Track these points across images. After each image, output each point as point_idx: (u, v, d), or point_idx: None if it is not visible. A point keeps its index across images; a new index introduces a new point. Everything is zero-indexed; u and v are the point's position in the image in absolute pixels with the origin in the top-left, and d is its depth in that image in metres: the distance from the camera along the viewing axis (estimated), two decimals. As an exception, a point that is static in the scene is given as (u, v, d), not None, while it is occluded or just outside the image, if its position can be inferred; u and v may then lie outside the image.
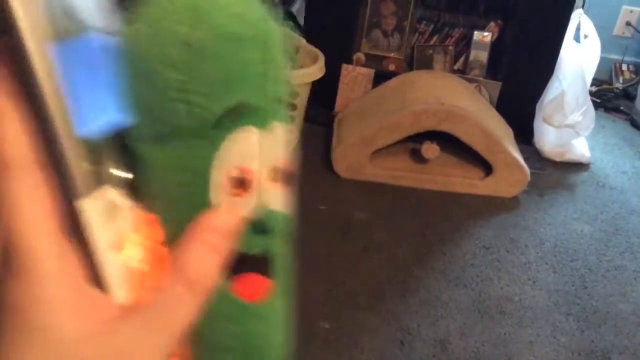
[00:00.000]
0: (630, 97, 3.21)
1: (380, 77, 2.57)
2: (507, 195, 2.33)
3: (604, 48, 2.72)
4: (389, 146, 2.26)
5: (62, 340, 0.24)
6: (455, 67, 2.73)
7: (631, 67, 3.39)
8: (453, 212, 2.23)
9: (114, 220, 0.27)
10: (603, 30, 2.88)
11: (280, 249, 0.30)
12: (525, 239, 2.13)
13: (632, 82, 3.31)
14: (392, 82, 2.46)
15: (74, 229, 0.25)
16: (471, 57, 2.66)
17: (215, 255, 0.27)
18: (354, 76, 2.64)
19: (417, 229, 2.10)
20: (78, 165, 0.25)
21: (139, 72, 0.26)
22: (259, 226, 0.28)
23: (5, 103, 0.23)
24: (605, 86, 3.29)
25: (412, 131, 2.22)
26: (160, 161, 0.27)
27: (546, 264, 2.02)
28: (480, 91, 2.61)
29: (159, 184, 0.27)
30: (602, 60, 2.79)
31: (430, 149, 2.29)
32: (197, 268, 0.26)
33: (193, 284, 0.26)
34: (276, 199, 0.29)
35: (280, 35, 0.28)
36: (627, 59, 3.41)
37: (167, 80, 0.25)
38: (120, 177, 0.27)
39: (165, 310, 0.25)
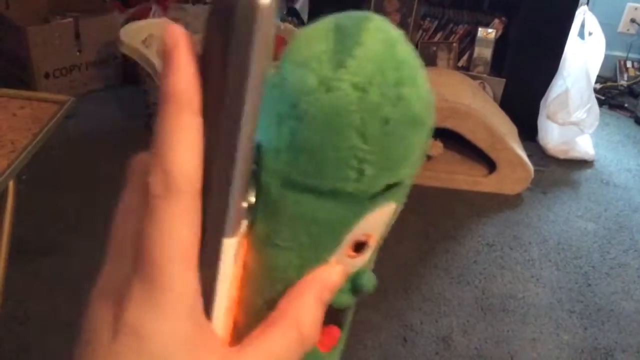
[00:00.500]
0: (635, 95, 3.20)
1: (384, 74, 2.57)
2: (510, 193, 2.32)
3: (608, 45, 2.71)
4: (392, 143, 2.26)
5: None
6: (459, 64, 2.72)
7: (636, 64, 3.38)
8: (456, 210, 2.22)
9: (238, 257, 0.26)
10: (608, 27, 2.87)
11: (353, 301, 0.32)
12: (529, 236, 2.12)
13: (637, 80, 3.30)
14: (396, 79, 2.45)
15: (208, 263, 0.24)
16: (475, 54, 2.65)
17: (321, 308, 0.28)
18: (358, 73, 2.63)
19: (420, 226, 2.10)
20: (238, 204, 0.24)
21: (329, 124, 0.24)
22: (362, 290, 0.31)
23: (191, 120, 0.22)
24: (609, 83, 3.27)
25: (416, 128, 2.21)
26: (302, 210, 0.26)
27: (549, 261, 2.02)
28: (484, 88, 2.61)
29: (287, 229, 0.27)
30: (607, 58, 2.78)
31: (434, 146, 2.28)
32: (309, 319, 0.27)
33: (304, 333, 0.26)
34: (371, 261, 0.31)
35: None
36: (631, 56, 3.40)
37: (353, 146, 0.25)
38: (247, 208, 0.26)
39: (275, 353, 0.26)
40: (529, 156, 2.33)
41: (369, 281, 0.31)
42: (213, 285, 0.25)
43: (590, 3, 2.97)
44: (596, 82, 2.90)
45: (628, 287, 1.93)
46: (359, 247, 0.29)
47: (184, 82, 0.22)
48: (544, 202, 2.32)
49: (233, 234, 0.24)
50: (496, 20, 2.66)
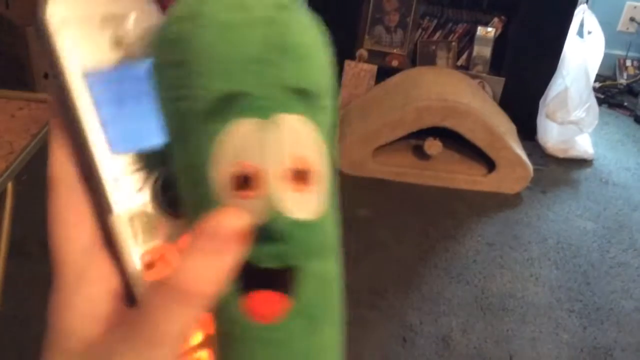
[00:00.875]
0: (634, 93, 3.20)
1: (383, 73, 2.57)
2: (510, 192, 2.33)
3: (607, 44, 2.71)
4: (391, 143, 2.26)
5: (72, 348, 0.25)
6: (459, 63, 2.72)
7: (635, 63, 3.38)
8: (456, 209, 2.23)
9: (151, 237, 0.27)
10: (607, 26, 2.87)
11: (305, 262, 0.26)
12: (528, 235, 2.12)
13: (636, 78, 3.30)
14: (395, 79, 2.45)
15: (110, 244, 0.26)
16: (474, 53, 2.65)
17: (207, 261, 0.24)
18: (357, 72, 2.63)
19: (419, 226, 2.10)
20: (111, 183, 0.26)
21: (155, 79, 0.26)
22: (270, 234, 0.25)
23: (54, 133, 0.27)
24: (609, 82, 3.28)
25: (415, 127, 2.22)
26: (176, 163, 0.26)
27: (549, 260, 2.02)
28: (483, 87, 2.61)
29: (180, 189, 0.26)
30: (606, 56, 2.78)
31: (433, 146, 2.28)
32: (187, 275, 0.24)
33: (174, 291, 0.23)
34: (294, 203, 0.25)
35: (305, 21, 0.26)
36: (631, 54, 3.40)
37: (167, 79, 0.25)
38: (165, 194, 0.27)
39: (150, 321, 0.24)
40: (528, 155, 2.33)
41: (291, 226, 0.25)
42: (122, 264, 0.26)
43: (589, 2, 2.97)
44: (595, 80, 2.90)
45: (627, 286, 1.93)
46: (244, 182, 0.24)
47: (53, 167, 0.27)
48: (544, 201, 2.32)
49: (120, 210, 0.26)
50: (495, 19, 2.66)
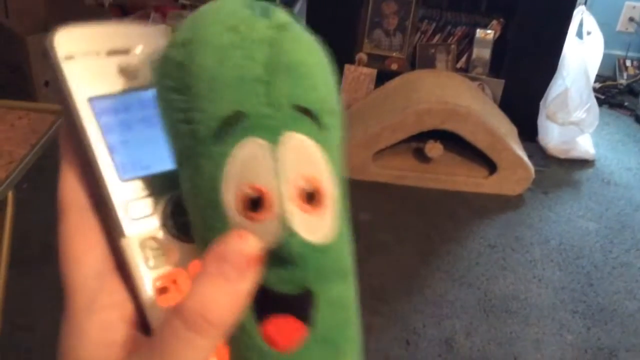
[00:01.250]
0: (635, 93, 3.19)
1: (383, 77, 2.57)
2: (511, 194, 2.32)
3: (607, 44, 2.71)
4: (392, 146, 2.26)
5: None
6: (458, 66, 2.72)
7: (635, 63, 3.38)
8: (457, 211, 2.22)
9: (162, 261, 0.27)
10: (606, 26, 2.87)
11: (321, 286, 0.25)
12: (531, 237, 2.12)
13: (636, 78, 3.30)
14: (395, 82, 2.46)
15: (122, 268, 0.26)
16: (474, 56, 2.65)
17: (221, 288, 0.23)
18: (357, 76, 2.63)
19: (421, 229, 2.10)
20: (122, 208, 0.26)
21: (160, 105, 0.26)
22: (283, 257, 0.24)
23: (64, 158, 0.27)
24: (609, 82, 3.27)
25: (416, 130, 2.22)
26: (184, 190, 0.26)
27: (552, 261, 2.01)
28: (483, 89, 2.61)
29: (190, 215, 0.26)
30: (606, 57, 2.78)
31: (434, 148, 2.28)
32: (196, 303, 0.23)
33: (190, 321, 0.23)
34: (306, 224, 0.24)
35: (306, 40, 0.26)
36: (630, 54, 3.40)
37: (171, 103, 0.25)
38: (175, 218, 0.27)
39: (166, 351, 0.23)
40: (530, 157, 2.33)
41: (303, 248, 0.24)
42: (135, 288, 0.26)
43: (588, 2, 2.97)
44: (595, 81, 2.90)
45: (631, 286, 1.93)
46: (254, 204, 0.24)
47: (64, 191, 0.27)
48: (545, 203, 2.32)
49: (131, 234, 0.26)
50: (494, 22, 2.67)
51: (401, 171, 2.32)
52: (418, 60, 2.70)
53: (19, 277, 1.54)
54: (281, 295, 0.25)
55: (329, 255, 0.25)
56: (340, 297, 0.26)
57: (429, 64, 2.68)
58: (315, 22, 2.60)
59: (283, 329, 0.25)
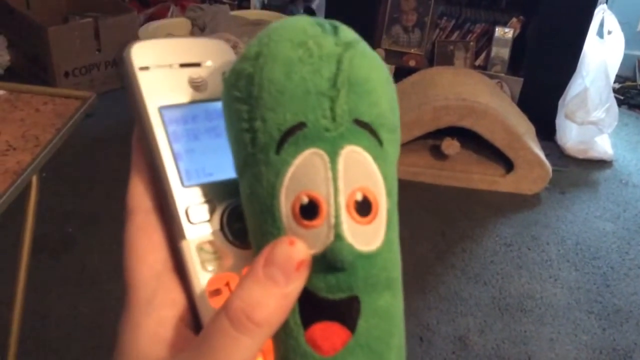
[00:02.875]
0: (655, 94, 3.16)
1: (401, 74, 2.56)
2: (528, 193, 2.31)
3: (627, 44, 2.68)
4: (408, 142, 2.25)
5: None
6: (477, 63, 2.71)
7: (656, 64, 3.34)
8: (473, 209, 2.21)
9: (217, 265, 0.28)
10: (627, 26, 2.84)
11: (367, 294, 0.26)
12: (547, 236, 2.11)
13: (657, 79, 3.26)
14: (413, 78, 2.45)
15: (180, 270, 0.28)
16: (492, 53, 2.64)
17: (268, 290, 0.24)
18: (374, 72, 2.63)
19: (436, 226, 2.09)
20: (183, 213, 0.28)
21: (225, 114, 0.28)
22: (332, 264, 0.25)
23: (134, 165, 0.29)
24: (628, 83, 3.24)
25: (432, 127, 2.21)
26: (242, 196, 0.27)
27: (568, 261, 2.00)
28: (501, 87, 2.59)
29: (247, 220, 0.27)
30: (626, 57, 2.75)
31: (451, 146, 2.27)
32: (243, 303, 0.24)
33: (236, 319, 0.24)
34: (357, 234, 0.25)
35: (371, 58, 0.27)
36: (651, 55, 3.35)
37: (237, 113, 0.26)
38: (231, 225, 0.29)
39: (214, 349, 0.24)
40: (547, 156, 2.32)
41: (354, 256, 0.25)
42: (190, 289, 0.27)
43: (609, 2, 2.94)
44: (615, 81, 2.87)
45: (648, 288, 1.91)
46: (309, 212, 0.25)
47: (132, 194, 0.29)
48: (562, 202, 2.30)
49: (192, 237, 0.28)
50: (514, 19, 2.65)
51: (417, 168, 2.31)
52: (436, 57, 2.69)
53: (38, 265, 1.55)
54: (328, 302, 0.25)
55: (377, 264, 0.26)
56: (387, 306, 0.27)
57: (447, 61, 2.67)
58: (333, 17, 2.60)
59: (328, 334, 0.25)
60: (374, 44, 2.68)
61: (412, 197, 2.22)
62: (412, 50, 2.70)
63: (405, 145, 2.27)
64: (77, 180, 2.12)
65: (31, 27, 2.56)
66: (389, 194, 0.27)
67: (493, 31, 2.63)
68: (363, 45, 0.27)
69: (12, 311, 1.16)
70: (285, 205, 0.25)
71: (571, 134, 2.55)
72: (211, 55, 0.30)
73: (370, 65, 0.27)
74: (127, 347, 0.26)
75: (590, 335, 1.72)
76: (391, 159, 0.28)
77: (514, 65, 2.64)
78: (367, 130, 0.26)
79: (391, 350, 0.27)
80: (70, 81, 2.61)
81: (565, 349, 1.67)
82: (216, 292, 0.28)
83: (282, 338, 0.26)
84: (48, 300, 1.62)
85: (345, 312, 0.26)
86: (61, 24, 2.72)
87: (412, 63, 2.69)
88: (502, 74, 2.62)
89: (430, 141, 2.33)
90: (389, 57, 2.67)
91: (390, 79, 0.28)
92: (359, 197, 0.25)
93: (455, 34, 2.71)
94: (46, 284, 1.66)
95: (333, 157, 0.25)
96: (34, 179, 0.98)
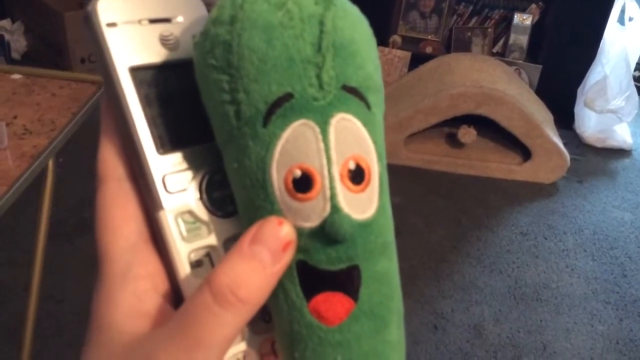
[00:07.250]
0: (676, 83, 3.11)
1: (417, 60, 2.54)
2: (545, 181, 2.29)
3: (649, 31, 2.63)
4: (424, 130, 2.24)
5: (114, 343, 0.25)
6: (494, 50, 2.68)
7: (677, 52, 3.28)
8: (489, 198, 2.20)
9: (197, 235, 0.27)
10: (649, 12, 2.78)
11: (366, 262, 0.26)
12: (564, 225, 2.09)
13: (678, 67, 3.20)
14: (429, 65, 2.42)
15: (157, 241, 0.27)
16: (511, 40, 2.61)
17: (254, 268, 0.24)
18: (390, 59, 2.61)
19: (452, 214, 2.08)
20: (159, 181, 0.26)
21: (201, 82, 0.26)
22: (330, 235, 0.24)
23: (104, 130, 0.28)
24: (649, 71, 3.19)
25: (449, 115, 2.19)
26: (228, 168, 0.26)
27: (585, 251, 1.98)
28: (519, 75, 2.56)
29: (234, 193, 0.26)
30: (648, 44, 2.70)
31: (467, 134, 2.25)
32: (228, 278, 0.23)
33: (220, 294, 0.23)
34: (353, 203, 0.25)
35: (353, 15, 0.26)
36: (673, 43, 3.29)
37: (216, 83, 0.25)
38: (211, 193, 0.27)
39: (196, 323, 0.23)
40: (565, 144, 2.29)
41: (351, 226, 0.24)
42: (169, 260, 0.26)
43: (631, -12, 2.89)
44: (635, 69, 2.82)
45: (666, 279, 1.89)
46: (302, 185, 0.24)
47: (103, 162, 0.27)
48: (580, 192, 2.28)
49: (169, 208, 0.26)
50: (533, 6, 2.61)
51: (433, 156, 2.29)
52: (454, 44, 2.66)
53: (54, 249, 1.56)
54: (329, 273, 0.25)
55: (373, 231, 0.26)
56: (385, 270, 0.27)
57: (465, 47, 2.64)
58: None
59: (332, 304, 0.25)
60: (390, 30, 2.65)
61: (427, 185, 2.20)
62: (429, 37, 2.68)
63: (422, 133, 2.25)
64: (93, 165, 2.13)
65: (47, 13, 2.57)
66: (379, 157, 0.26)
67: (512, 17, 2.60)
68: (344, 2, 0.26)
69: (28, 295, 1.17)
70: (277, 179, 0.24)
71: (590, 123, 2.52)
72: (181, 10, 0.28)
73: (353, 23, 0.26)
74: (102, 321, 0.25)
75: (606, 326, 1.70)
76: (379, 121, 0.27)
77: (533, 53, 2.61)
78: (355, 95, 0.25)
79: (392, 314, 0.27)
80: (86, 67, 2.61)
81: (581, 339, 1.65)
82: (197, 264, 0.27)
83: (285, 312, 0.26)
84: (64, 285, 1.64)
85: (346, 281, 0.25)
86: (77, 9, 2.72)
87: (429, 50, 2.66)
88: (521, 61, 2.59)
89: (447, 129, 2.31)
90: (405, 43, 2.64)
91: (371, 33, 0.27)
92: (352, 165, 0.25)
93: (473, 20, 2.68)
94: (62, 269, 1.67)
95: (323, 127, 0.24)
96: (50, 163, 0.99)
